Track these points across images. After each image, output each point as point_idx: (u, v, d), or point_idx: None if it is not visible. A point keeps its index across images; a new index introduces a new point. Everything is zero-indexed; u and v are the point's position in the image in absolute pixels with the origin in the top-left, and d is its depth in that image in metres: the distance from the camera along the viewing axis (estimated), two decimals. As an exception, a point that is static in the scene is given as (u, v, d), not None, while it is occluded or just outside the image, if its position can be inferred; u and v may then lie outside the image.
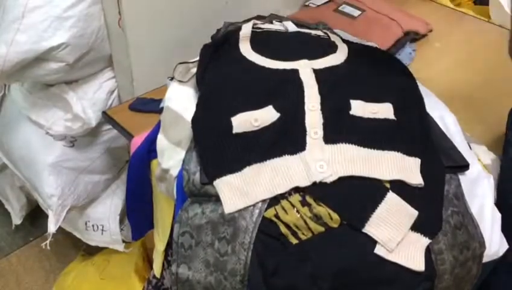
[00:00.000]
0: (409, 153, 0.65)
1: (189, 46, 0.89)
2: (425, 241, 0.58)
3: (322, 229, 0.59)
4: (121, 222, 1.23)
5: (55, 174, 1.10)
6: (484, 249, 0.65)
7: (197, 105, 0.75)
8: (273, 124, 0.68)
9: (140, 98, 1.00)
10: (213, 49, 0.85)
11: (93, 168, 1.17)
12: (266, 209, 0.60)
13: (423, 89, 0.80)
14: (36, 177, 1.11)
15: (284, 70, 0.79)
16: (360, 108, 0.71)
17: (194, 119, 0.72)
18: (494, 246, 0.67)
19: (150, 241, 0.93)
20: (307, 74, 0.77)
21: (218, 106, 0.73)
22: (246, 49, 0.84)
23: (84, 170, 1.15)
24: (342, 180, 0.61)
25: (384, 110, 0.71)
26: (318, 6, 1.30)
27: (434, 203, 0.62)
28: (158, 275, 0.85)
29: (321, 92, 0.73)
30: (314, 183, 0.61)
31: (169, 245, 0.79)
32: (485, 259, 0.66)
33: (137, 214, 0.89)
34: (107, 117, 0.98)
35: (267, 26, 0.96)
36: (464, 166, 0.69)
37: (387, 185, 0.61)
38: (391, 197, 0.60)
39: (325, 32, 0.95)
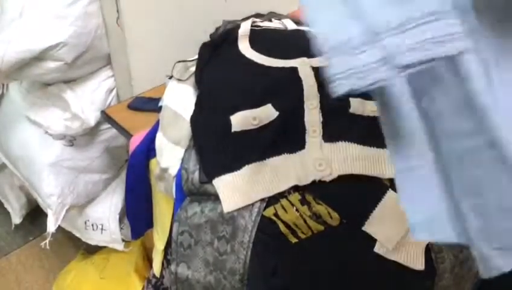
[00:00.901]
0: (409, 151, 0.65)
1: (188, 44, 0.89)
2: (425, 239, 0.58)
3: (321, 227, 0.58)
4: (121, 221, 1.23)
5: (54, 173, 1.10)
6: (484, 248, 0.64)
7: (196, 104, 0.75)
8: (272, 122, 0.68)
9: (139, 97, 1.00)
10: (212, 48, 0.84)
11: (92, 167, 1.17)
12: (265, 208, 0.60)
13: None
14: (35, 177, 1.11)
15: (283, 68, 0.78)
16: (359, 106, 0.70)
17: (193, 118, 0.72)
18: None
19: (150, 241, 0.93)
20: (306, 72, 0.77)
21: (217, 105, 0.73)
22: (244, 47, 0.84)
23: (83, 169, 1.15)
24: (341, 178, 0.61)
25: (383, 108, 0.71)
26: (317, 4, 1.29)
27: (434, 202, 0.62)
28: (158, 274, 0.85)
29: (320, 90, 0.73)
30: (314, 182, 0.60)
31: (169, 244, 0.79)
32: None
33: (137, 213, 0.89)
34: (106, 116, 0.98)
35: (266, 24, 0.96)
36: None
37: (387, 183, 0.61)
38: (391, 195, 0.60)
39: (324, 30, 0.94)
